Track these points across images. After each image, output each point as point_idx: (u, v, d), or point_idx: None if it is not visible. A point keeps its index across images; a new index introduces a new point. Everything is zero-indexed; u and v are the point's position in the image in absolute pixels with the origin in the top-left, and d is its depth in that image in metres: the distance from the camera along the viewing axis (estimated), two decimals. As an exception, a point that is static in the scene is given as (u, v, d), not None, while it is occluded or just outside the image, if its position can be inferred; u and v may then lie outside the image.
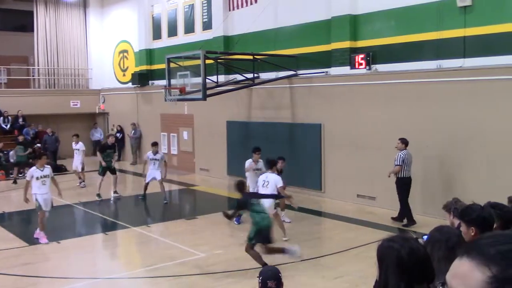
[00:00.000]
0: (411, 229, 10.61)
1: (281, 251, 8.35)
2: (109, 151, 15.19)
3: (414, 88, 11.94)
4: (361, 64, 12.90)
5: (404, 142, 11.10)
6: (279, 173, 10.89)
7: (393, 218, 11.31)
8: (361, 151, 12.53)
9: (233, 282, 8.06)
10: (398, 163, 10.97)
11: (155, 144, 14.59)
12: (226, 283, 8.02)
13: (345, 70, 13.34)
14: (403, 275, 2.39)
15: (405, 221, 11.10)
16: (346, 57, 13.24)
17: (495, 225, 3.88)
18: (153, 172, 14.23)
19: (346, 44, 13.32)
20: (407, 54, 12.19)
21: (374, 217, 11.79)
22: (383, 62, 12.69)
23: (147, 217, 13.46)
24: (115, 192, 15.19)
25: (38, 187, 10.29)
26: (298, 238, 10.39)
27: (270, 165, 10.60)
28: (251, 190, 11.37)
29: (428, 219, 10.58)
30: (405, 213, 11.09)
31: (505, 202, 5.12)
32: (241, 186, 8.90)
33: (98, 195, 14.72)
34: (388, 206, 12.35)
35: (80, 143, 17.22)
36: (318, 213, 12.82)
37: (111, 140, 15.55)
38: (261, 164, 11.97)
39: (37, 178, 10.28)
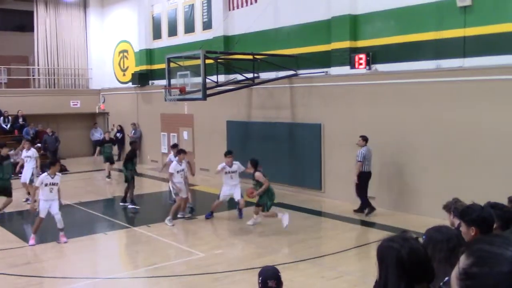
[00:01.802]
0: (374, 216, 11.78)
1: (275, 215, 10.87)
2: (107, 145, 18.35)
3: (413, 88, 11.94)
4: (361, 64, 12.90)
5: (365, 139, 11.98)
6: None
7: (354, 211, 12.18)
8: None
9: (233, 282, 8.07)
10: (359, 159, 11.85)
11: (229, 154, 12.30)
12: (226, 282, 8.02)
13: (345, 70, 13.35)
14: (403, 275, 2.40)
15: (366, 211, 11.94)
16: (346, 57, 13.24)
17: (495, 225, 3.88)
18: (231, 188, 12.15)
19: (346, 44, 13.32)
20: (406, 54, 12.19)
21: (374, 217, 11.80)
22: (383, 62, 12.70)
23: (147, 217, 13.45)
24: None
25: (45, 194, 10.25)
26: (297, 238, 10.40)
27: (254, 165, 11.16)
28: (225, 191, 12.19)
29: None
30: (365, 204, 12.02)
31: (505, 202, 5.13)
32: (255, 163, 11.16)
33: (132, 201, 13.71)
34: (387, 207, 12.38)
35: (33, 149, 14.92)
36: (318, 213, 12.83)
37: (107, 135, 18.91)
38: (236, 166, 12.23)
39: (46, 185, 10.21)
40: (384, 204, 12.49)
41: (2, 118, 22.12)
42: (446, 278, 2.75)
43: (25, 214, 12.65)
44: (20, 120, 22.46)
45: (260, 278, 3.91)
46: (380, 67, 12.78)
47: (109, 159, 18.39)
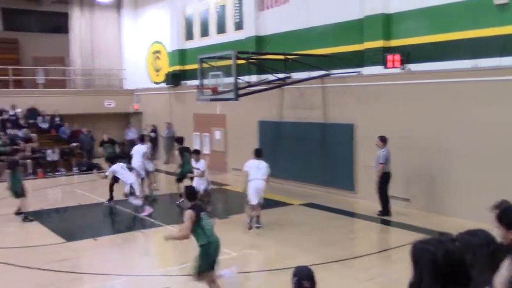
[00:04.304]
0: (408, 218, 11.62)
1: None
2: (106, 145, 18.90)
3: (449, 87, 11.75)
4: (394, 63, 12.77)
5: (383, 140, 11.93)
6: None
7: (379, 211, 12.09)
8: (395, 152, 12.39)
9: (265, 281, 8.11)
10: (382, 161, 11.80)
11: (258, 153, 11.74)
12: (258, 282, 8.07)
13: (378, 69, 13.23)
14: (438, 278, 2.38)
15: (380, 208, 12.02)
16: (379, 57, 13.12)
17: None
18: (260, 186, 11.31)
19: (379, 43, 13.20)
20: (441, 53, 12.00)
21: (408, 219, 11.66)
22: (417, 62, 12.53)
23: (180, 216, 13.60)
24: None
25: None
26: (329, 239, 10.37)
27: (258, 153, 11.70)
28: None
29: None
30: (385, 205, 12.00)
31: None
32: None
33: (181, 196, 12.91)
34: (422, 208, 12.21)
35: None
36: (350, 214, 12.75)
37: (106, 136, 19.49)
38: (200, 164, 13.01)
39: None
40: (418, 206, 12.34)
41: (40, 117, 22.72)
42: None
43: (61, 211, 12.94)
44: (57, 119, 23.03)
45: (295, 278, 3.93)
46: (414, 67, 12.62)
47: (110, 159, 17.30)
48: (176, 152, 14.11)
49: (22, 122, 22.02)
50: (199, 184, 12.42)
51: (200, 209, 6.92)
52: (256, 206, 11.23)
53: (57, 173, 19.93)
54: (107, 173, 13.69)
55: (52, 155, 20.18)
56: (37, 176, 19.50)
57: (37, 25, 27.11)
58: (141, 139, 16.43)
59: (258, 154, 11.65)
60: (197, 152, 13.63)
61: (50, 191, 16.85)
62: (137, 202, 12.91)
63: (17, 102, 22.47)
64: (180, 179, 13.84)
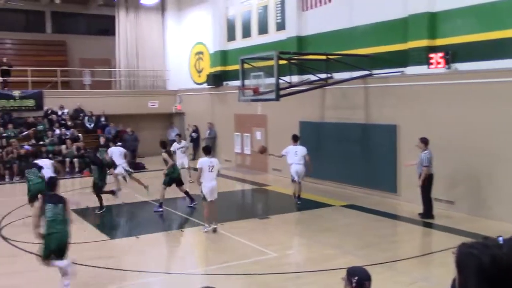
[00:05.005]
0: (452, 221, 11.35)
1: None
2: (102, 149, 17.58)
3: (496, 87, 11.37)
4: (439, 63, 12.47)
5: (424, 142, 11.67)
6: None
7: (420, 214, 11.90)
8: (438, 153, 12.10)
9: (305, 283, 8.06)
10: (426, 164, 11.53)
11: (296, 138, 13.92)
12: (299, 283, 8.02)
13: (422, 69, 12.94)
14: (484, 284, 2.31)
15: (421, 210, 11.84)
16: (424, 56, 12.83)
17: None
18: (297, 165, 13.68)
19: (423, 42, 12.92)
20: (489, 52, 11.63)
21: (452, 222, 11.36)
22: (464, 61, 12.19)
23: (221, 215, 13.71)
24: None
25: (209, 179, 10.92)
26: (371, 241, 10.22)
27: (295, 139, 13.87)
28: (178, 164, 14.83)
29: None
30: (429, 207, 11.76)
31: None
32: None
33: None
34: (467, 212, 11.88)
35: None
36: (392, 216, 12.52)
37: (103, 140, 19.14)
38: (183, 143, 17.25)
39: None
40: (462, 209, 12.01)
41: (86, 118, 23.36)
42: None
43: (105, 209, 13.24)
44: (103, 120, 23.62)
45: (356, 279, 3.82)
46: (460, 66, 12.28)
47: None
48: (165, 155, 13.56)
49: (69, 122, 22.70)
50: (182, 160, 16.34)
51: (49, 200, 7.50)
52: (297, 184, 13.65)
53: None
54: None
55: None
56: (83, 175, 20.04)
57: (84, 27, 27.97)
58: (113, 140, 16.91)
59: (296, 139, 13.84)
60: (179, 135, 17.53)
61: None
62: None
63: (65, 103, 23.20)
64: (169, 184, 13.48)
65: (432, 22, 12.82)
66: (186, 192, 13.56)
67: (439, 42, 12.75)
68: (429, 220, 11.66)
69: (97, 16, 27.65)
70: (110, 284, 8.16)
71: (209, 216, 11.04)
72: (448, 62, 12.35)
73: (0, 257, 9.60)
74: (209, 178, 10.79)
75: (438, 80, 12.61)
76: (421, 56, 12.92)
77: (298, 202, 13.64)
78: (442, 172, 12.18)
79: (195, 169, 12.34)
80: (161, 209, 13.10)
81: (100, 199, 13.21)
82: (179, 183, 13.58)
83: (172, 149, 16.54)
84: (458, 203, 12.16)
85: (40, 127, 21.76)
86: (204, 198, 10.94)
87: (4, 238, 10.86)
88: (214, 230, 10.96)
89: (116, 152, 15.17)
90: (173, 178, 13.36)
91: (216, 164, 10.98)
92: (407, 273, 8.43)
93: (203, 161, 10.83)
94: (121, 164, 15.04)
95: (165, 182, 13.34)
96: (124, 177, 15.28)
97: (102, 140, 19.10)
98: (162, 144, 14.45)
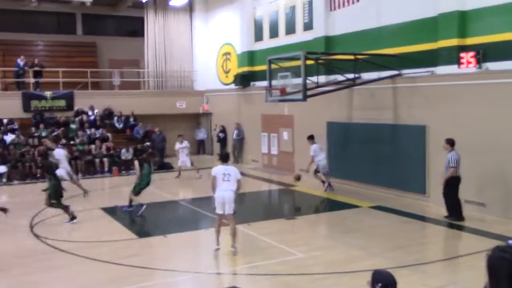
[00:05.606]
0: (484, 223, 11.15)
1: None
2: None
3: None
4: (470, 62, 12.25)
5: (450, 143, 11.60)
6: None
7: (446, 217, 11.83)
8: (469, 155, 11.89)
9: (332, 284, 8.02)
10: (454, 165, 11.43)
11: (311, 137, 16.01)
12: (325, 284, 7.99)
13: (453, 69, 12.73)
14: (516, 289, 2.27)
15: (446, 213, 11.83)
16: (454, 56, 12.61)
17: None
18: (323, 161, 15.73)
19: (453, 42, 12.70)
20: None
21: (483, 225, 11.15)
22: (495, 60, 11.93)
23: (247, 215, 13.75)
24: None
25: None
26: (399, 243, 10.11)
27: (312, 139, 15.74)
28: (179, 163, 19.06)
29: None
30: (454, 208, 11.67)
31: None
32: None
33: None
34: (499, 214, 11.64)
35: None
36: (421, 218, 12.36)
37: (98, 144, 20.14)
38: (185, 143, 19.20)
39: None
40: (494, 211, 11.77)
41: (116, 117, 23.72)
42: None
43: (135, 207, 13.40)
44: (131, 120, 23.95)
45: (379, 285, 3.67)
46: (492, 66, 12.04)
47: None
48: (136, 164, 13.58)
49: (98, 122, 23.08)
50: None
51: None
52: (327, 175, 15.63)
53: (131, 171, 20.67)
54: None
55: (126, 154, 20.99)
56: (112, 174, 20.36)
57: (114, 29, 28.43)
58: (56, 142, 16.99)
59: (311, 138, 15.65)
60: (181, 135, 19.34)
61: (124, 189, 17.49)
62: None
63: (95, 103, 23.60)
64: (138, 192, 13.48)
65: (462, 21, 12.60)
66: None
67: (470, 41, 12.52)
68: (459, 223, 11.47)
69: (126, 17, 28.05)
70: (139, 282, 8.26)
71: (217, 233, 9.79)
72: (479, 61, 12.12)
73: (33, 255, 9.81)
74: (222, 187, 9.49)
75: (469, 79, 12.38)
76: (452, 56, 12.71)
77: (332, 189, 15.52)
78: (472, 174, 11.97)
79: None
80: (130, 209, 13.30)
81: (130, 200, 13.36)
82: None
83: (175, 148, 19.05)
84: (490, 205, 11.92)
85: (73, 126, 22.18)
86: (214, 209, 9.79)
87: (37, 236, 11.11)
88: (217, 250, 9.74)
89: (61, 154, 15.24)
90: (142, 187, 13.46)
91: (234, 173, 9.58)
92: (436, 276, 8.30)
93: (217, 169, 9.67)
94: (64, 168, 14.95)
95: (135, 191, 13.40)
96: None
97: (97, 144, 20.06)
98: (134, 152, 15.64)
